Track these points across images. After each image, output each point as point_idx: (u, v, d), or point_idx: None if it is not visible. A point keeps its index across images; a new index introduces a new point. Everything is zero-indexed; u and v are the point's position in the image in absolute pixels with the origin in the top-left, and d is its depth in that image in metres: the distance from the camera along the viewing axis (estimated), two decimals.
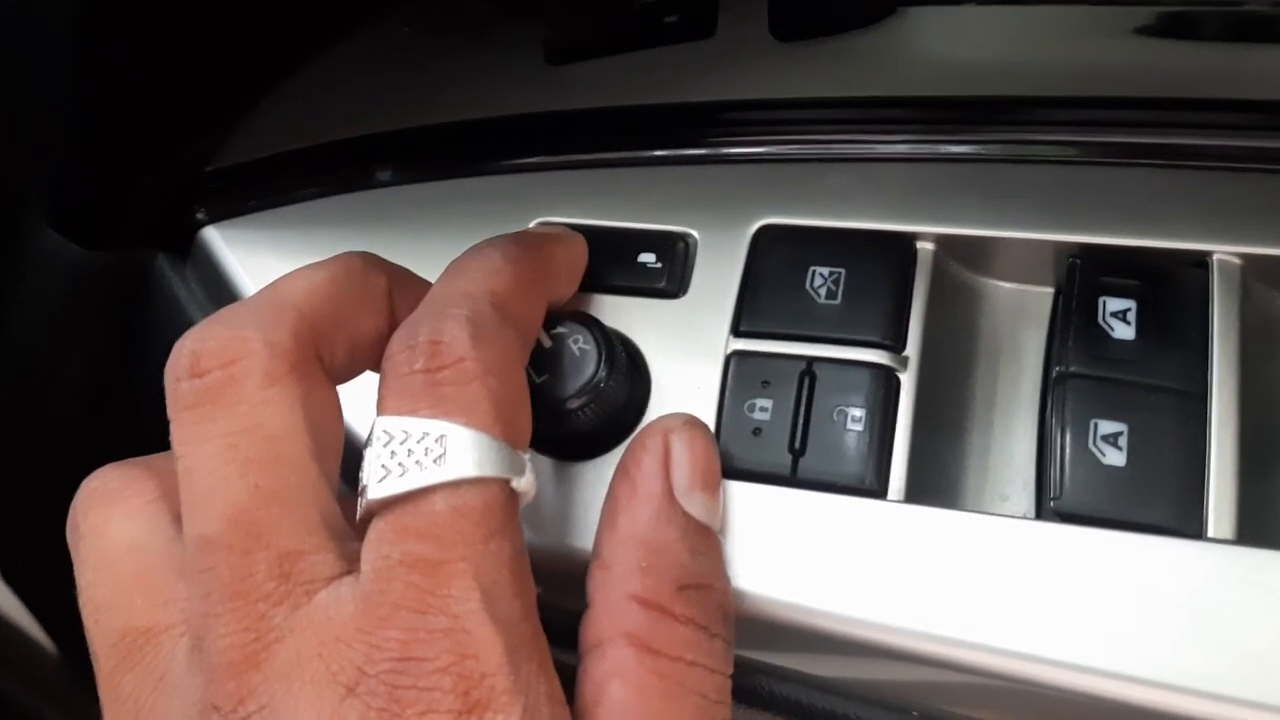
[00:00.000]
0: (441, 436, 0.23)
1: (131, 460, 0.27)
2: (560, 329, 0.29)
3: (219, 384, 0.24)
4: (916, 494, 0.28)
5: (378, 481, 0.23)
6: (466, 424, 0.23)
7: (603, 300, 0.31)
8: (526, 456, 0.24)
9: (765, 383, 0.29)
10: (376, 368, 0.27)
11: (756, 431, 0.29)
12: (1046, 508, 0.27)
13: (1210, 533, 0.26)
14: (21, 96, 0.33)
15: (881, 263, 0.30)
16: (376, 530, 0.23)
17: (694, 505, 0.27)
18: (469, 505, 0.23)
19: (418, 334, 0.24)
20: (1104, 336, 0.28)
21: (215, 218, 0.36)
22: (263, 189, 0.36)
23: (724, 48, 0.35)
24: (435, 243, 0.34)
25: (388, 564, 0.22)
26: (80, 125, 0.34)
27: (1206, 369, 0.27)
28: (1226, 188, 0.29)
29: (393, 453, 0.23)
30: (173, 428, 0.24)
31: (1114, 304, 0.28)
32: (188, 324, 0.37)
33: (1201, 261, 0.28)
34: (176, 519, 0.24)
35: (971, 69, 0.32)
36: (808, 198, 0.32)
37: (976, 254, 0.31)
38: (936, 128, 0.32)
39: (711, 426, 0.29)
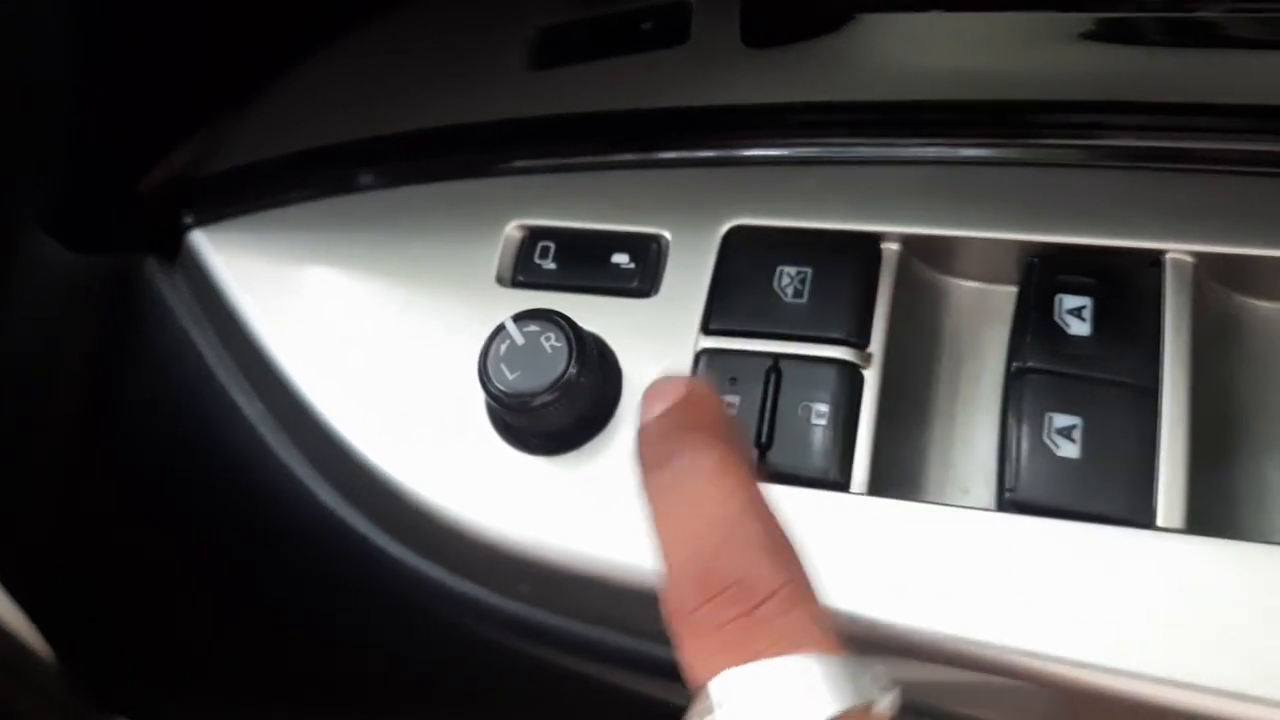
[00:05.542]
0: (789, 674, 0.21)
1: None
2: (533, 327, 0.30)
3: None
4: (879, 487, 0.29)
5: None
6: (810, 653, 0.21)
7: (577, 300, 0.32)
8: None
9: (733, 379, 0.30)
10: None
11: None
12: (1004, 499, 0.28)
13: (1160, 522, 0.26)
14: (15, 101, 0.34)
15: (847, 262, 0.31)
16: None
17: None
18: None
19: (712, 580, 0.22)
20: (1060, 333, 0.29)
21: (202, 222, 0.37)
22: (249, 194, 0.37)
23: (697, 54, 0.36)
24: (415, 245, 0.35)
25: None
26: (73, 130, 0.35)
27: (1159, 364, 0.28)
28: (1181, 189, 0.30)
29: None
30: None
31: (1070, 301, 0.29)
32: (176, 326, 0.38)
33: (1156, 260, 0.29)
34: None
35: (930, 74, 0.33)
36: (777, 200, 0.32)
37: (940, 254, 0.32)
38: (901, 132, 0.32)
39: None
